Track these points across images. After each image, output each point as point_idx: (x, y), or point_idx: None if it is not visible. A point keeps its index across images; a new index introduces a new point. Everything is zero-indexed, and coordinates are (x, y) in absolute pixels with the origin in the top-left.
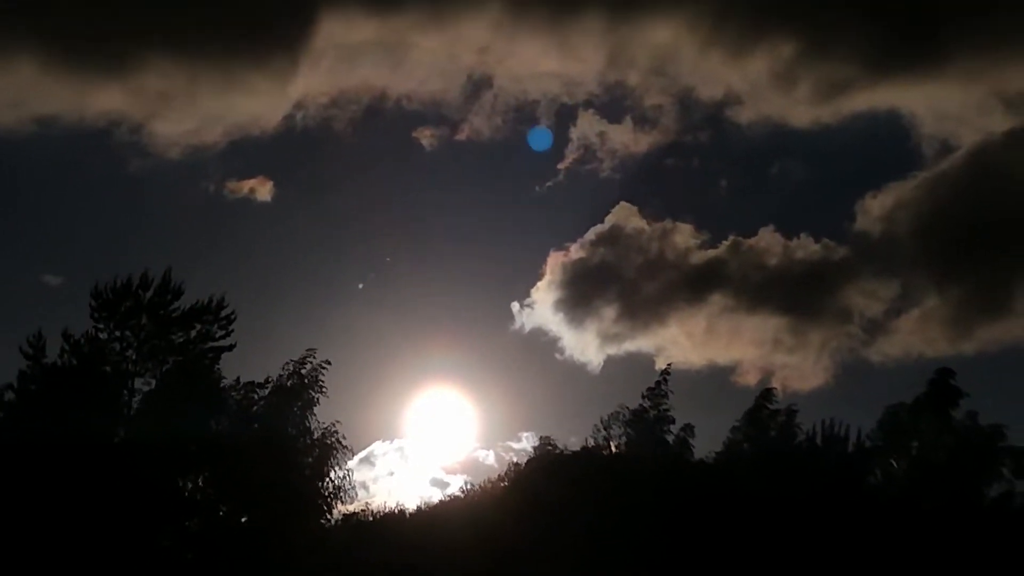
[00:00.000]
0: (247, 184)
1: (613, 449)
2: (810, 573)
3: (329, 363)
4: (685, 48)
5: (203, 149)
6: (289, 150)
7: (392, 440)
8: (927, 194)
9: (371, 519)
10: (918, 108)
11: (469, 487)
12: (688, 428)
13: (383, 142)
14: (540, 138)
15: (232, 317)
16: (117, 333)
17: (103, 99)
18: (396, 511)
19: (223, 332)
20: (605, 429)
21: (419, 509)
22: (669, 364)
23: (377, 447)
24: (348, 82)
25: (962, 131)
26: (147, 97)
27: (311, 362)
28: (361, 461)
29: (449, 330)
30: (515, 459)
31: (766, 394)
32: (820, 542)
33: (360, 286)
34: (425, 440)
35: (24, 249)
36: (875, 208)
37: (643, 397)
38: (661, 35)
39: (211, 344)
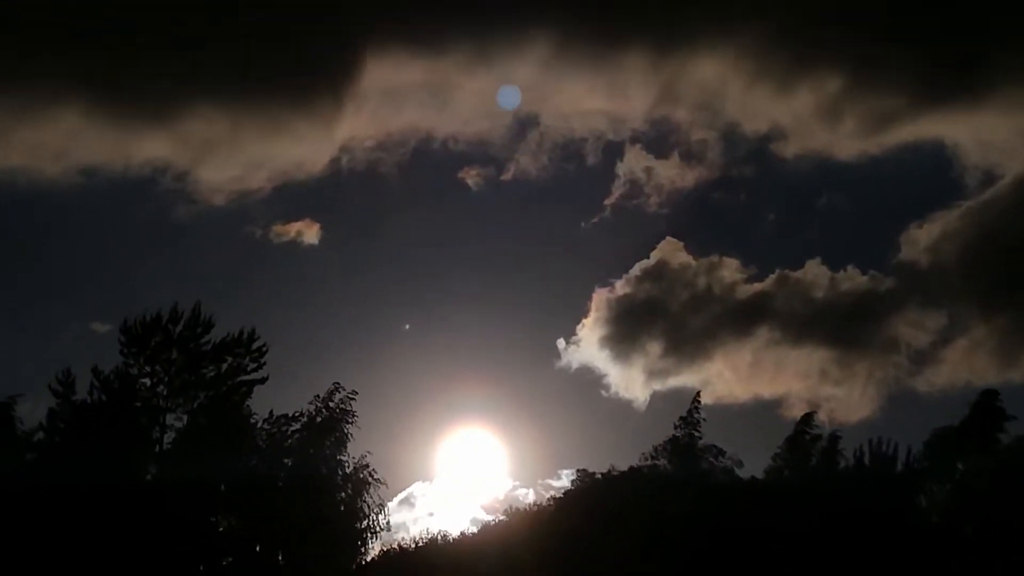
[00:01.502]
0: (294, 227)
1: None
2: None
3: (356, 393)
4: (731, 83)
5: (249, 194)
6: (336, 193)
7: (432, 481)
8: (972, 223)
9: (411, 548)
10: (962, 138)
11: (512, 511)
12: (721, 452)
13: (429, 183)
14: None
15: (264, 349)
16: (147, 368)
17: (148, 147)
18: (439, 539)
19: (255, 365)
20: (652, 458)
21: (461, 536)
22: (698, 392)
23: (417, 488)
24: (394, 124)
25: (1006, 160)
26: (192, 144)
27: (339, 394)
28: (401, 502)
29: (496, 369)
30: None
31: (806, 419)
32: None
33: (407, 327)
34: (466, 480)
35: (72, 297)
36: (921, 238)
37: (675, 427)
38: (707, 71)
39: (243, 377)
